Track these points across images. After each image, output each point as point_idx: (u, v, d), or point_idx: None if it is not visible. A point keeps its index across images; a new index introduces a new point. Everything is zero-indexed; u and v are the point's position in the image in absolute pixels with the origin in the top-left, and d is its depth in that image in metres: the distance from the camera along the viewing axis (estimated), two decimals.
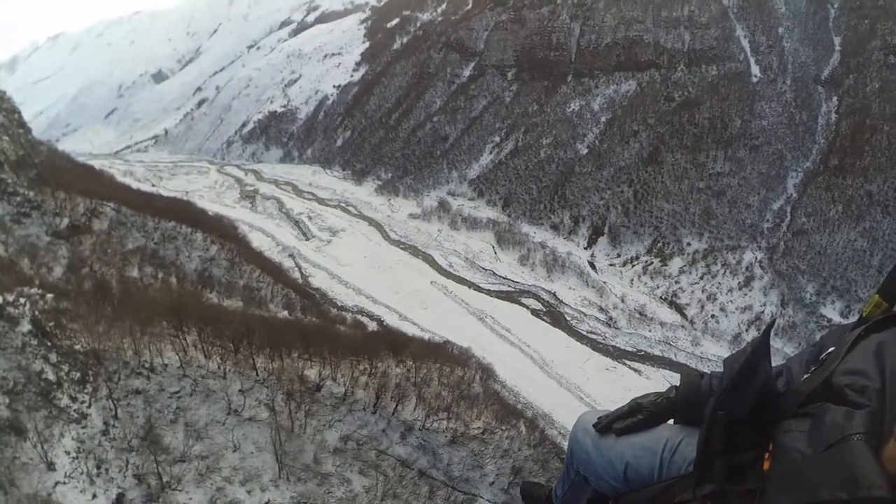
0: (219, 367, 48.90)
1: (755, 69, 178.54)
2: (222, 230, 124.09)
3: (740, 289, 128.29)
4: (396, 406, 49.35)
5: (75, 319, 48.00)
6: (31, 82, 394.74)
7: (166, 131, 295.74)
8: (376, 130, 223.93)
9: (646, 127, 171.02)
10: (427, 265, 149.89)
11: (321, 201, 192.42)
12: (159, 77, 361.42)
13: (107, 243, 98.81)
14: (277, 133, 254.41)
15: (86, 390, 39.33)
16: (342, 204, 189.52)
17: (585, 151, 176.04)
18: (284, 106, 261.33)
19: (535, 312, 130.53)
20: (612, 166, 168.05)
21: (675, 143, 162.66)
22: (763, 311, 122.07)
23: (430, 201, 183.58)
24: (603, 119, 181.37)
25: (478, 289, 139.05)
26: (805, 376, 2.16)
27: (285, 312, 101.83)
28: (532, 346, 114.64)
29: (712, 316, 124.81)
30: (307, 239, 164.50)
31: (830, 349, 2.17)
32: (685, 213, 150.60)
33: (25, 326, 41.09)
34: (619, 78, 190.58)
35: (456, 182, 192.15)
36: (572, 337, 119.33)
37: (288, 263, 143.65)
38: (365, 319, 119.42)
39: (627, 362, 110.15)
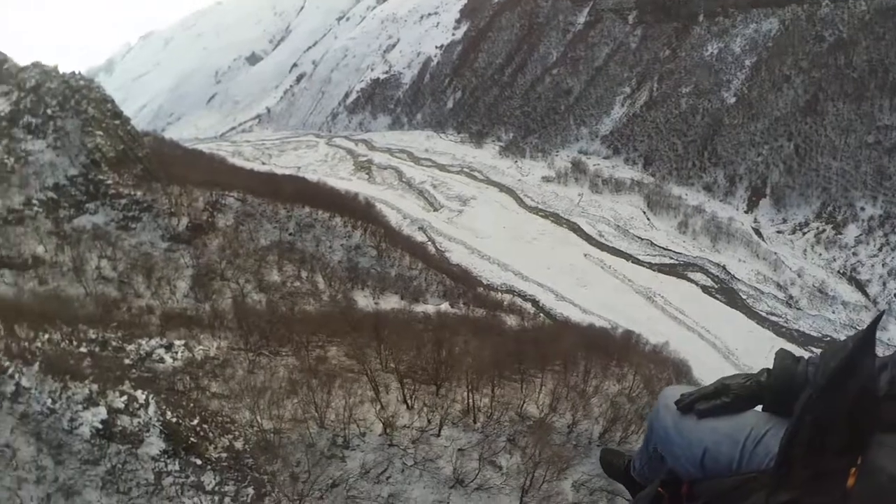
0: (427, 421, 42.57)
1: None
2: (360, 211, 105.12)
3: None
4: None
5: (218, 377, 44.32)
6: (131, 80, 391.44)
7: (268, 110, 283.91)
8: (489, 89, 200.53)
9: (798, 71, 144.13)
10: (574, 235, 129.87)
11: (442, 168, 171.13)
12: (253, 59, 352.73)
13: (236, 242, 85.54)
14: (383, 100, 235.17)
15: None
16: (465, 169, 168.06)
17: (733, 100, 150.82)
18: (386, 72, 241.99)
19: (705, 289, 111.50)
20: (765, 117, 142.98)
21: (835, 91, 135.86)
22: None
23: (562, 162, 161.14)
24: (747, 63, 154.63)
25: (637, 262, 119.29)
26: None
27: (446, 304, 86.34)
28: (712, 332, 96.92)
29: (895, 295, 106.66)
30: (435, 210, 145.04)
31: None
32: (855, 172, 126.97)
33: (155, 445, 35.79)
34: (757, 15, 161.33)
35: (587, 139, 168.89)
36: (752, 319, 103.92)
37: (419, 237, 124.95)
38: (517, 300, 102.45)
39: (815, 350, 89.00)
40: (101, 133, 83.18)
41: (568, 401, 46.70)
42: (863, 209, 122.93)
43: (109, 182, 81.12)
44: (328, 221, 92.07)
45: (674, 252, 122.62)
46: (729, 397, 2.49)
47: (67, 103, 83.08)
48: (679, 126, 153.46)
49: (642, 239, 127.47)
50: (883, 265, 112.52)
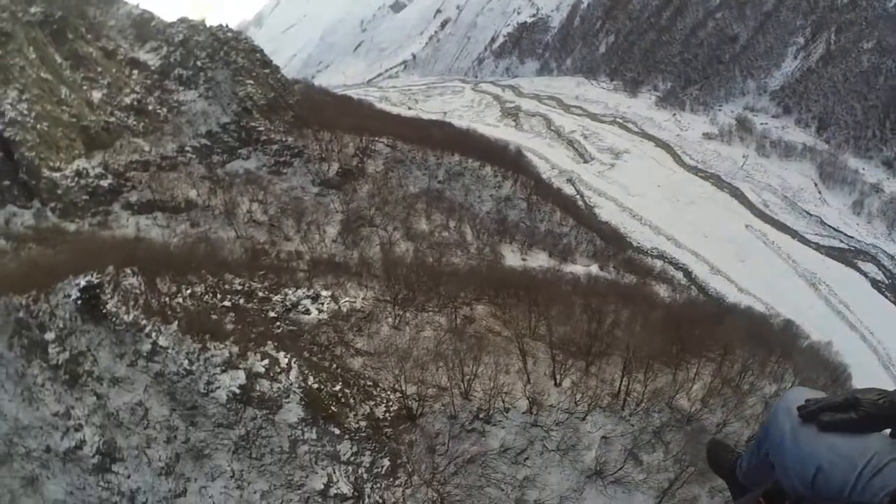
0: (574, 402, 39.55)
1: None
2: (511, 161, 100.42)
3: None
4: None
5: (363, 332, 43.89)
6: (280, 32, 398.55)
7: (413, 56, 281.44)
8: (645, 33, 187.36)
9: None
10: (736, 202, 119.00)
11: (593, 117, 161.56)
12: (397, 7, 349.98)
13: (385, 188, 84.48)
14: (530, 45, 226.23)
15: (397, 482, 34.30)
16: (619, 120, 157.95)
17: None
18: (533, 15, 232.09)
19: (875, 283, 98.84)
20: None
21: None
22: None
23: (726, 118, 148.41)
24: None
25: (803, 240, 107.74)
26: None
27: (594, 266, 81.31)
28: (876, 335, 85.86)
29: None
30: (585, 161, 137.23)
31: None
32: None
33: (293, 412, 34.48)
34: None
35: (753, 94, 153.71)
36: None
37: (568, 190, 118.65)
38: (668, 268, 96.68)
39: None
40: (251, 82, 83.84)
41: (721, 396, 41.88)
42: None
43: (261, 129, 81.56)
44: (478, 170, 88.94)
45: (845, 235, 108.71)
46: (858, 413, 2.19)
47: (217, 55, 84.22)
48: (859, 87, 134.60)
49: (811, 215, 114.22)
50: None
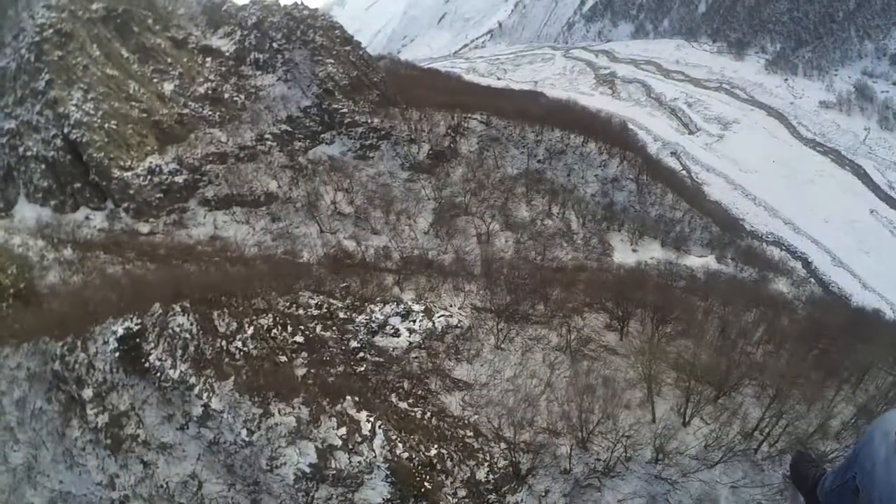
0: (705, 446, 31.75)
1: None
2: (615, 136, 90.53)
3: None
4: None
5: (461, 354, 38.21)
6: (363, 10, 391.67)
7: (500, 24, 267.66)
8: None
9: None
10: (859, 182, 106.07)
11: (696, 83, 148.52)
12: None
13: (480, 170, 75.58)
14: (624, 5, 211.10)
15: None
16: (725, 86, 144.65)
17: None
18: None
19: None
20: None
21: None
22: None
23: (843, 84, 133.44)
24: None
25: None
26: None
27: (711, 257, 72.56)
28: None
29: None
30: (690, 133, 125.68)
31: None
32: None
33: (378, 490, 26.97)
34: None
35: (871, 57, 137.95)
36: None
37: (673, 165, 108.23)
38: (786, 256, 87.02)
39: None
40: (331, 61, 76.97)
41: (856, 429, 33.22)
42: None
43: (345, 110, 74.62)
44: (581, 148, 79.87)
45: None
46: None
47: (293, 35, 78.19)
48: None
49: None
50: None
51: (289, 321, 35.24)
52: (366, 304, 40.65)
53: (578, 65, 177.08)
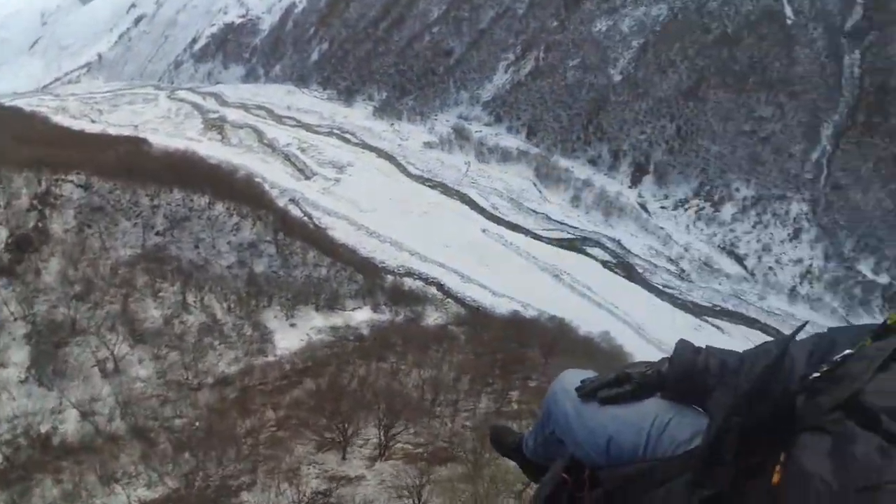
0: None
1: (788, 10, 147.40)
2: (243, 191, 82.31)
3: (790, 240, 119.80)
4: None
5: None
6: None
7: (100, 56, 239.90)
8: (361, 42, 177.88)
9: (684, 58, 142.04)
10: (467, 208, 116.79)
11: (309, 128, 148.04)
12: None
13: (84, 258, 55.38)
14: (237, 48, 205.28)
15: None
16: (336, 131, 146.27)
17: (619, 78, 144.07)
18: (243, 16, 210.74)
19: (605, 265, 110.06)
20: (650, 97, 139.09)
21: (717, 81, 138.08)
22: (812, 265, 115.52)
23: (443, 127, 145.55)
24: (635, 44, 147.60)
25: (536, 237, 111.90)
26: (815, 375, 1.84)
27: (367, 309, 67.84)
28: (620, 308, 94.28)
29: (770, 268, 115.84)
30: (307, 178, 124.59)
31: (846, 351, 1.85)
32: (732, 156, 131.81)
33: None
34: None
35: (467, 104, 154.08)
36: (651, 293, 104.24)
37: (294, 212, 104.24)
38: (419, 284, 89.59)
39: (708, 319, 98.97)
40: None
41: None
42: (737, 190, 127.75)
43: None
44: (208, 210, 68.08)
45: (570, 227, 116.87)
46: (631, 386, 2.45)
47: None
48: (564, 98, 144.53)
49: (537, 213, 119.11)
50: (757, 241, 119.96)
51: None
52: None
53: (185, 107, 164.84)
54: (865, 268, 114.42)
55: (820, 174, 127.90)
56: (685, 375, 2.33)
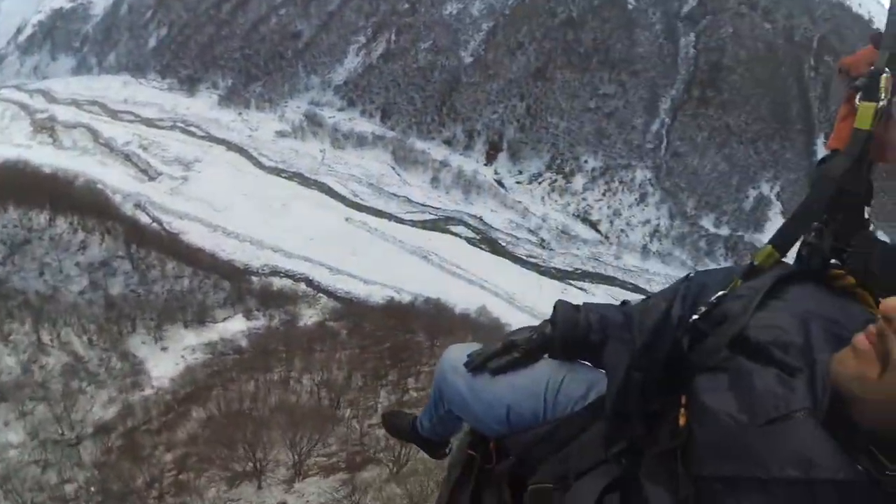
0: None
1: None
2: (84, 202, 74.64)
3: (637, 204, 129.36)
4: None
5: None
6: None
7: None
8: (203, 27, 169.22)
9: (532, 40, 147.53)
10: (327, 197, 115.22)
11: (149, 123, 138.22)
12: None
13: None
14: (66, 37, 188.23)
15: None
16: (180, 124, 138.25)
17: (470, 60, 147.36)
18: (72, 1, 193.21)
19: (470, 241, 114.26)
20: (500, 78, 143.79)
21: (563, 61, 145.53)
22: (659, 224, 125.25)
23: (294, 114, 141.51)
24: (485, 26, 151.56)
25: (400, 220, 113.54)
26: (694, 317, 1.87)
27: (239, 318, 63.82)
28: (490, 281, 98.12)
29: (621, 230, 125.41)
30: (152, 179, 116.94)
31: (720, 292, 1.92)
32: (580, 131, 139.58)
33: None
34: None
35: (318, 89, 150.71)
36: (517, 263, 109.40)
37: (143, 219, 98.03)
38: (287, 282, 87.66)
39: (572, 282, 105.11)
40: None
41: None
42: (586, 162, 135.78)
43: None
44: (49, 228, 61.74)
45: (432, 207, 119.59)
46: (519, 352, 2.46)
47: None
48: (418, 81, 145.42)
49: (399, 196, 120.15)
50: (608, 207, 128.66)
51: None
52: None
53: (11, 108, 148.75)
54: (707, 223, 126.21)
55: (660, 144, 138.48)
56: (570, 333, 2.34)
